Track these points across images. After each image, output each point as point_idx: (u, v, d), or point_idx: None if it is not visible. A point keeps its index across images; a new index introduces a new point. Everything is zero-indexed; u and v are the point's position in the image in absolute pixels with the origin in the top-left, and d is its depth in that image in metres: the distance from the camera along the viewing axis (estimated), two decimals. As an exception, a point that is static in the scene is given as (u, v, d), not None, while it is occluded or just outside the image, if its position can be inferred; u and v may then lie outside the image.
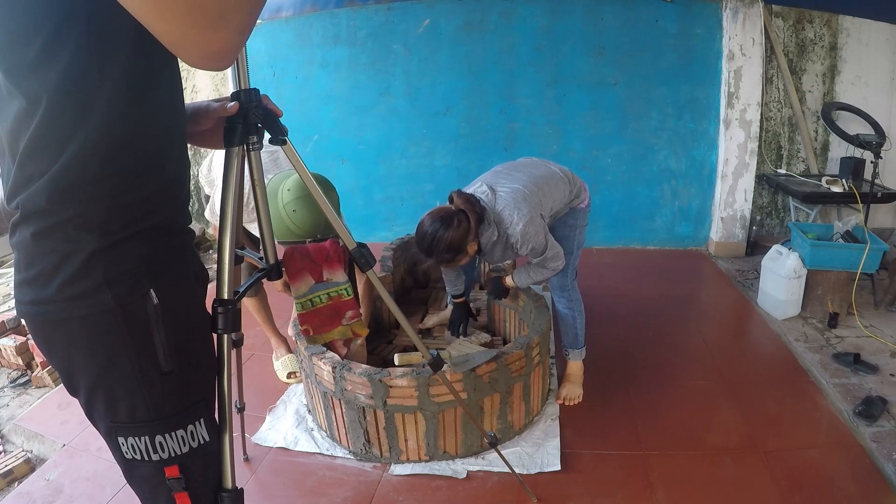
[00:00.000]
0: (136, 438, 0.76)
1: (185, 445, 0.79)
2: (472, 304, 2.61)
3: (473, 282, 2.63)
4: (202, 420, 0.81)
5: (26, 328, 0.76)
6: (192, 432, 0.79)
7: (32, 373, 2.41)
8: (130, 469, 0.80)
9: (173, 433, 0.78)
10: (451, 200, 1.80)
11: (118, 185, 0.69)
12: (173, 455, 0.78)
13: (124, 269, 0.71)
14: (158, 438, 0.77)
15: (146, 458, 0.77)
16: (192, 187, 4.10)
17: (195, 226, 4.34)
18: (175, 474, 0.79)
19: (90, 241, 0.69)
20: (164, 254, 0.76)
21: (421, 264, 2.18)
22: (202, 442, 0.81)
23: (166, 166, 0.76)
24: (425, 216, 1.78)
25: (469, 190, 1.85)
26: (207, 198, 2.23)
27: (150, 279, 0.73)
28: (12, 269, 0.73)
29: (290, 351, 2.42)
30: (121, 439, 0.77)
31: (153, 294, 0.73)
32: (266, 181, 1.85)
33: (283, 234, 1.69)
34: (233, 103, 0.89)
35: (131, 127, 0.68)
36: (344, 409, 1.81)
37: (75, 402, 0.80)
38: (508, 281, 2.02)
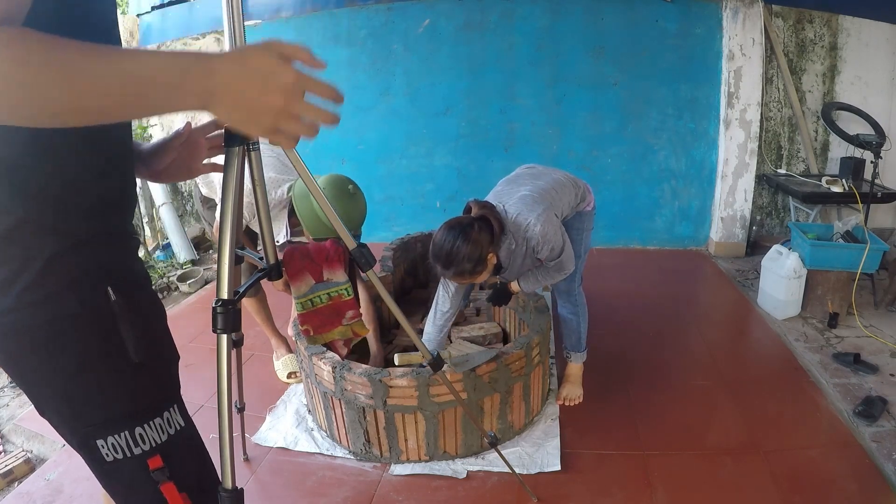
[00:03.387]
0: (116, 436, 0.76)
1: (164, 433, 0.80)
2: (471, 304, 2.61)
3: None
4: (175, 406, 0.83)
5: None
6: (168, 419, 0.81)
7: (32, 373, 2.41)
8: (110, 472, 0.80)
9: (151, 422, 0.79)
10: (468, 210, 1.73)
11: (66, 191, 0.71)
12: (154, 444, 0.79)
13: (84, 271, 0.73)
14: (138, 430, 0.77)
15: (129, 454, 0.77)
16: (188, 189, 4.09)
17: (195, 226, 4.34)
18: (158, 464, 0.79)
19: (49, 246, 0.70)
20: (118, 257, 0.79)
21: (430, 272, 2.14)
22: (178, 427, 0.83)
23: (112, 173, 0.78)
24: (441, 226, 1.69)
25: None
26: (204, 199, 2.22)
27: (108, 279, 0.75)
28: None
29: (290, 351, 2.42)
30: (99, 442, 0.76)
31: (111, 291, 0.75)
32: (273, 181, 1.86)
33: (318, 231, 1.76)
34: (185, 124, 0.92)
35: (65, 141, 0.69)
36: (344, 409, 1.81)
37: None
38: (514, 286, 1.94)
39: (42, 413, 0.79)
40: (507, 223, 1.72)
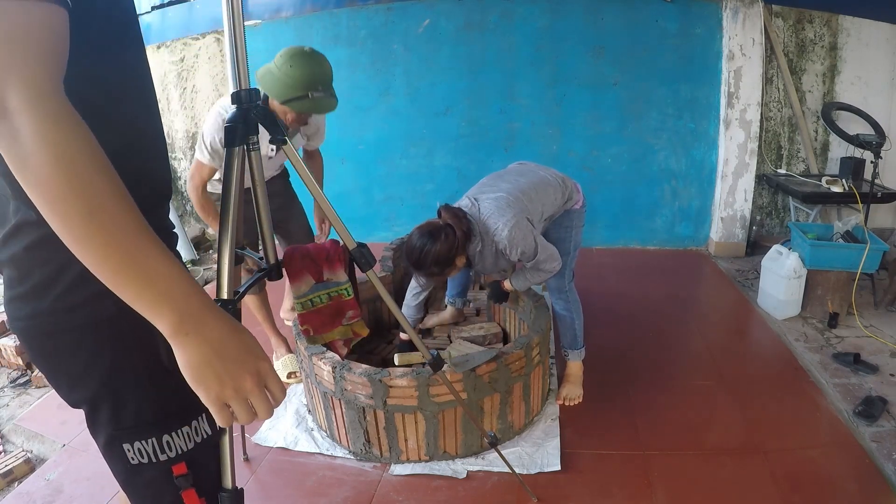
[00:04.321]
0: (144, 441, 0.76)
1: (190, 441, 0.79)
2: (471, 304, 2.62)
3: (473, 282, 2.63)
4: (203, 415, 0.82)
5: (21, 346, 0.77)
6: (195, 427, 0.80)
7: (32, 373, 2.41)
8: (133, 475, 0.80)
9: (179, 431, 0.78)
10: (439, 215, 1.83)
11: None
12: (181, 452, 0.79)
13: None
14: (166, 438, 0.77)
15: (154, 460, 0.77)
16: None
17: (195, 226, 4.34)
18: (183, 471, 0.79)
19: None
20: None
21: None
22: (205, 436, 0.82)
23: (154, 168, 0.77)
24: (414, 230, 1.83)
25: (456, 205, 1.87)
26: None
27: None
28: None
29: (290, 351, 2.42)
30: (126, 446, 0.77)
31: None
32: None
33: (284, 92, 1.75)
34: None
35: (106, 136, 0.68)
36: (344, 409, 1.81)
37: (75, 402, 0.80)
38: (507, 285, 2.01)
39: (74, 406, 0.79)
40: (478, 223, 1.80)
